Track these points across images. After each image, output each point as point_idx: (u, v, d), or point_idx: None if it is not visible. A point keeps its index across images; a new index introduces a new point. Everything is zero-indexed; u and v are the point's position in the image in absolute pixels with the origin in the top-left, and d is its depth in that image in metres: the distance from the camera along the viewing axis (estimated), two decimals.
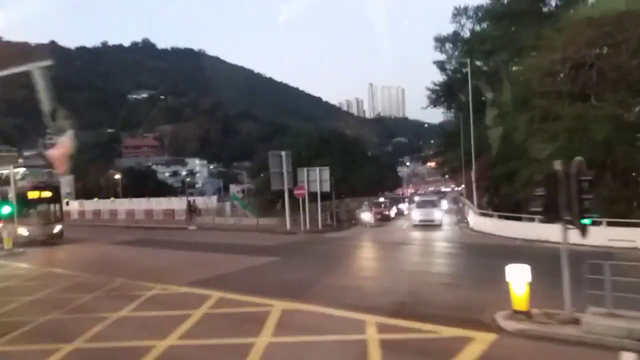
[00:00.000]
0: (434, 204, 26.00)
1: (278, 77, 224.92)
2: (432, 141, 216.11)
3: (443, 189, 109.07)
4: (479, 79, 32.31)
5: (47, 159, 22.74)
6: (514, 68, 33.34)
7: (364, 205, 31.57)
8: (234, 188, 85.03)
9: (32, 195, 22.02)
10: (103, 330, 7.92)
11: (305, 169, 24.34)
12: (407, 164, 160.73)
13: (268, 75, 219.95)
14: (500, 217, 20.77)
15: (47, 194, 22.57)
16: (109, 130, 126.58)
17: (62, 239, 22.81)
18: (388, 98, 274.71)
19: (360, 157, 55.71)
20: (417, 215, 25.22)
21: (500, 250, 17.26)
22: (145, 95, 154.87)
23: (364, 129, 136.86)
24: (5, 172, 22.63)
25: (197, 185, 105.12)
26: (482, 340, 6.60)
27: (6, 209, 20.60)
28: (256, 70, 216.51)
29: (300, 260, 16.14)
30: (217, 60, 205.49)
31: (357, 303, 8.99)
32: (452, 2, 40.79)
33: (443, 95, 42.03)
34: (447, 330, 7.08)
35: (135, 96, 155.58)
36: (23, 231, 20.98)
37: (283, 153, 24.75)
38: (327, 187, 24.22)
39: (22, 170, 22.63)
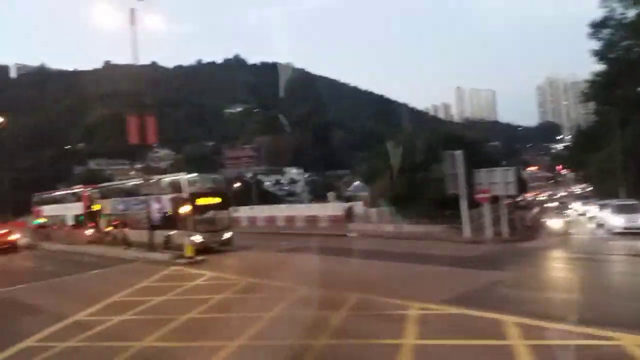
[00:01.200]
0: (636, 209, 22.33)
1: (362, 86, 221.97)
2: (528, 145, 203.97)
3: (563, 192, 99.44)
4: None
5: None
6: None
7: (549, 210, 28.40)
8: (331, 196, 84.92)
9: (204, 201, 21.76)
10: None
11: (484, 170, 21.92)
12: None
13: (352, 84, 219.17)
14: None
15: (217, 200, 22.26)
16: (210, 144, 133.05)
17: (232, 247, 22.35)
18: (477, 101, 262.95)
19: (484, 160, 51.75)
20: (618, 221, 21.81)
21: None
22: (240, 109, 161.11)
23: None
24: (177, 178, 22.70)
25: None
26: None
27: None
28: (341, 80, 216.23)
29: (540, 277, 13.63)
30: (303, 72, 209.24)
31: None
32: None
33: (602, 87, 37.47)
34: None
35: (230, 110, 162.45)
36: (197, 238, 20.66)
37: (457, 153, 22.56)
38: (513, 190, 21.62)
39: (190, 176, 22.48)
